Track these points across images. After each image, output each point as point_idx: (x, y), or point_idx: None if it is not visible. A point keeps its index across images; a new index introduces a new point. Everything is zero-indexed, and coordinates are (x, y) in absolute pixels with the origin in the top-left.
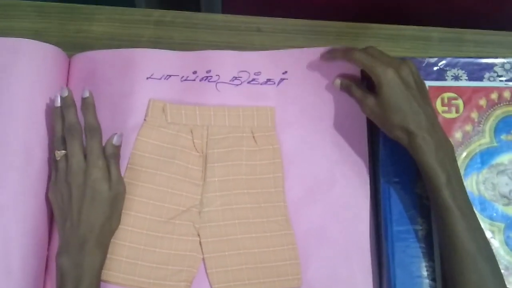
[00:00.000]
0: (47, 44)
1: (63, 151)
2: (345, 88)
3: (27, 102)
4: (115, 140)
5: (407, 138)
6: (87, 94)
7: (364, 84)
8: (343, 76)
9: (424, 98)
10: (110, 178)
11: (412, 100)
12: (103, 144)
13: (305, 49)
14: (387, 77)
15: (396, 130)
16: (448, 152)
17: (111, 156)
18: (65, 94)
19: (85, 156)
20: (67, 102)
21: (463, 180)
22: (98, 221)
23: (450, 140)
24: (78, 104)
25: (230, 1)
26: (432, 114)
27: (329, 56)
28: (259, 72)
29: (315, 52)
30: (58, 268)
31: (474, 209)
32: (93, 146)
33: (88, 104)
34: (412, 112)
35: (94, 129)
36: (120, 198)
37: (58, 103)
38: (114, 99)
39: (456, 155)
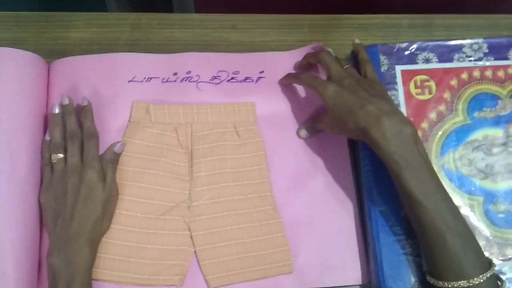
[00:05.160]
0: (26, 51)
1: (60, 155)
2: (311, 130)
3: (9, 109)
4: (117, 148)
5: (364, 136)
6: (86, 102)
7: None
8: (302, 125)
9: (375, 92)
10: (104, 180)
11: (358, 100)
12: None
13: (279, 52)
14: (327, 93)
15: (354, 133)
16: (405, 137)
17: (110, 161)
18: (66, 102)
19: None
20: (68, 109)
21: (440, 158)
22: (90, 219)
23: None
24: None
25: (202, 1)
26: (384, 105)
27: (285, 82)
28: (238, 71)
29: (288, 55)
30: (50, 268)
31: (452, 185)
32: (90, 149)
33: (86, 111)
34: (360, 110)
35: (91, 134)
36: (112, 200)
37: (56, 110)
38: (98, 102)
39: (432, 134)
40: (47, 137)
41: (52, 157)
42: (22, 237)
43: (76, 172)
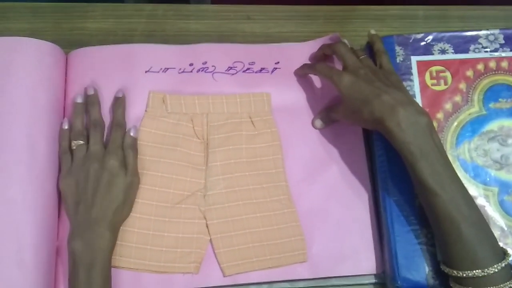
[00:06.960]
0: (45, 41)
1: (81, 141)
2: (326, 120)
3: (28, 98)
4: (132, 132)
5: (379, 125)
6: (120, 94)
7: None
8: (317, 115)
9: (391, 83)
10: (126, 168)
11: (374, 90)
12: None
13: (294, 43)
14: (343, 83)
15: (369, 123)
16: (420, 127)
17: (129, 146)
18: (92, 92)
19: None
20: (93, 99)
21: (456, 148)
22: (111, 205)
23: (443, 110)
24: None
25: None
26: (399, 95)
27: (301, 72)
28: (253, 62)
29: (304, 46)
30: (70, 253)
31: (467, 176)
32: (116, 138)
33: (120, 102)
34: (375, 100)
35: (120, 125)
36: (133, 187)
37: (80, 100)
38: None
39: (447, 125)
40: (65, 126)
41: (72, 143)
42: (40, 225)
43: (98, 158)
